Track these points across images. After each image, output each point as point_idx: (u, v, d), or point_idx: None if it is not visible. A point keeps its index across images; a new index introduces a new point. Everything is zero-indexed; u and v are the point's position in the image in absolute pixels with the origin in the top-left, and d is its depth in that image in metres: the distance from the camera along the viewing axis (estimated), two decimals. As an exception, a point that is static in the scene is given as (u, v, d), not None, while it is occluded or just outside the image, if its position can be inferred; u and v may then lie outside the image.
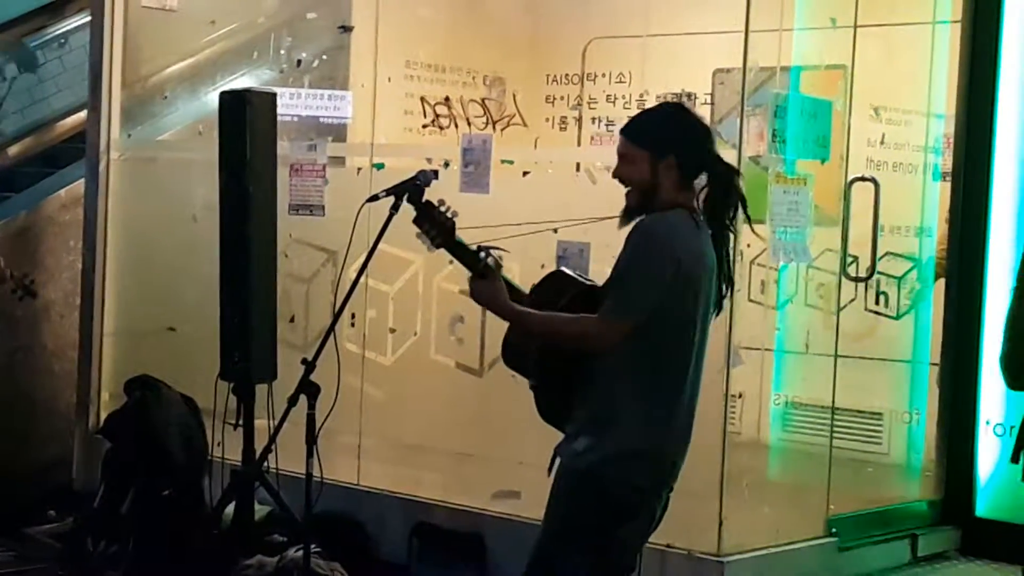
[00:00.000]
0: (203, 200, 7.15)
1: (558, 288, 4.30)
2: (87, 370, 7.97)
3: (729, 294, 4.32)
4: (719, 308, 4.31)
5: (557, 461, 4.30)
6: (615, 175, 4.26)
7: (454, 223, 4.29)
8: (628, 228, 4.15)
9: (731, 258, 4.33)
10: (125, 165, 7.99)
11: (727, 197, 4.23)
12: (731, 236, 4.31)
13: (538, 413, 4.39)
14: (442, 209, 4.30)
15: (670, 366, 4.15)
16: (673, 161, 4.16)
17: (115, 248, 7.97)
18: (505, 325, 4.34)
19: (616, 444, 4.14)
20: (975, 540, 6.81)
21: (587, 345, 4.13)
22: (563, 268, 4.39)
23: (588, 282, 4.34)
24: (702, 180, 4.24)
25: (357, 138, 7.84)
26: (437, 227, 4.28)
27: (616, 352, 4.10)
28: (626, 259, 4.09)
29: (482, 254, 4.26)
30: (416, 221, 4.33)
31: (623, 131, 4.28)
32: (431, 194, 4.58)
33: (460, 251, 4.30)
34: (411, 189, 4.54)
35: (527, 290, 4.35)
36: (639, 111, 4.46)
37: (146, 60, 8.22)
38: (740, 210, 4.27)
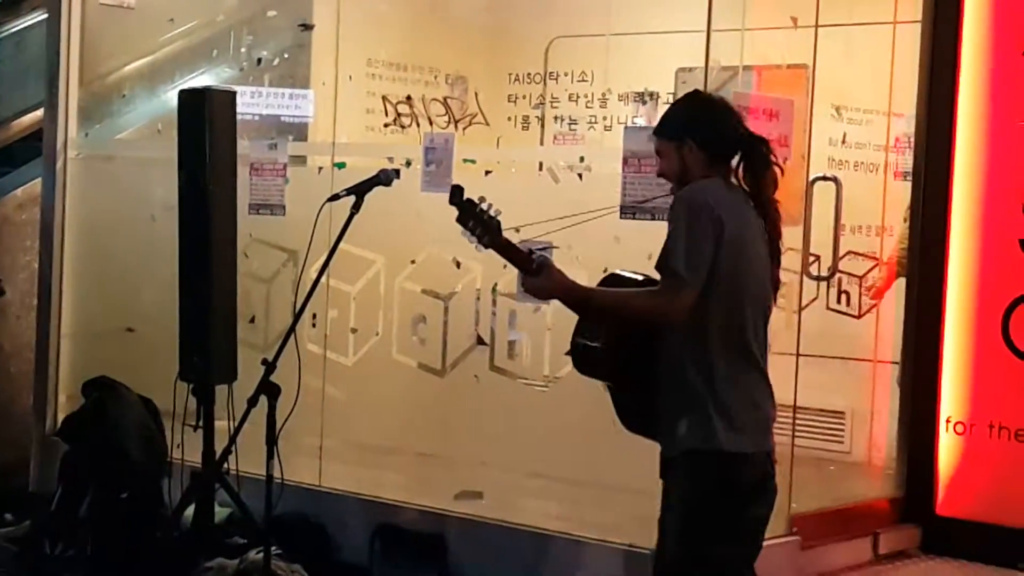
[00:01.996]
0: (162, 199, 7.10)
1: (617, 286, 4.32)
2: (44, 372, 7.91)
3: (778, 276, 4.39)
4: (776, 286, 4.37)
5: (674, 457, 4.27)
6: (658, 174, 4.42)
7: (499, 221, 4.23)
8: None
9: (778, 234, 4.36)
10: (83, 164, 7.93)
11: (759, 168, 4.30)
12: (776, 211, 4.35)
13: (621, 422, 4.36)
14: (484, 207, 4.23)
15: (742, 331, 4.19)
16: (692, 143, 4.27)
17: (73, 248, 7.91)
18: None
19: (715, 413, 4.16)
20: (936, 538, 6.84)
21: (658, 314, 4.15)
22: (617, 270, 4.38)
23: (644, 277, 4.34)
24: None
25: (318, 137, 7.81)
26: (483, 225, 4.21)
27: (686, 327, 4.12)
28: (671, 229, 4.15)
29: (534, 254, 4.22)
30: (460, 220, 4.24)
31: (654, 130, 4.42)
32: (392, 193, 4.56)
33: (511, 251, 4.24)
34: (374, 185, 4.50)
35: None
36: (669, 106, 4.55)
37: (104, 58, 8.16)
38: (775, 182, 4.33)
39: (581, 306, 4.29)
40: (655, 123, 4.48)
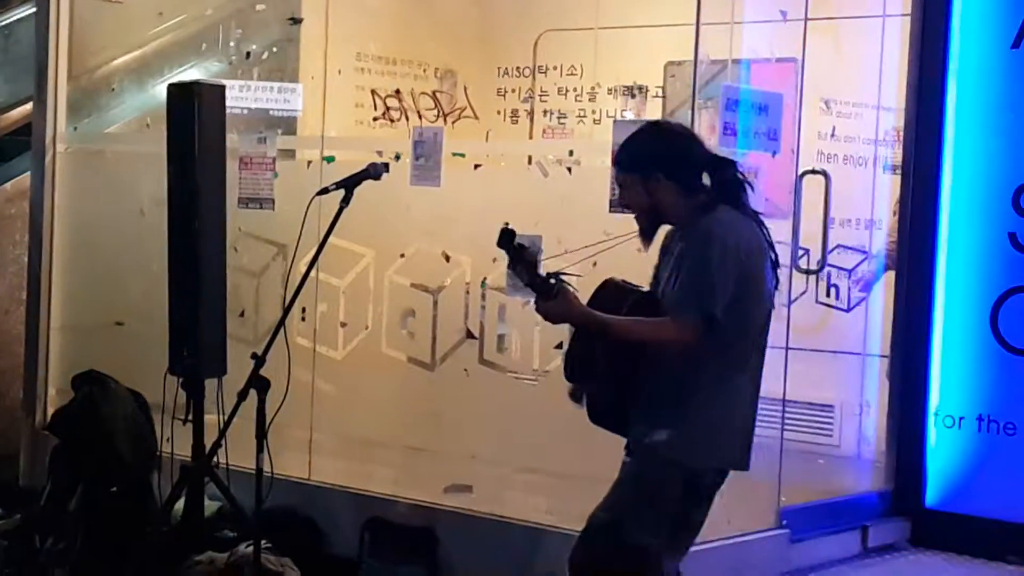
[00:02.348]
0: (151, 193, 7.09)
1: (614, 296, 4.36)
2: (34, 366, 7.89)
3: (778, 279, 4.46)
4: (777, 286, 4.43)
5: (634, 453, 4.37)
6: (620, 203, 4.48)
7: (538, 260, 4.35)
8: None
9: (772, 243, 4.42)
10: (72, 158, 7.91)
11: (734, 190, 4.35)
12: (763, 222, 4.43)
13: (590, 417, 4.44)
14: (532, 250, 4.35)
15: (740, 357, 4.29)
16: (662, 178, 4.30)
17: (62, 242, 7.89)
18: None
19: (696, 429, 4.26)
20: (925, 531, 6.86)
21: (670, 345, 4.21)
22: (611, 278, 4.43)
23: (638, 287, 4.42)
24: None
25: (307, 131, 7.79)
26: (528, 268, 4.30)
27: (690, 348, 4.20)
28: (694, 260, 4.20)
29: (553, 281, 4.29)
30: (510, 266, 4.34)
31: (614, 162, 4.46)
32: (381, 187, 4.56)
33: (537, 281, 4.31)
34: (363, 179, 4.51)
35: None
36: (626, 138, 4.52)
37: (93, 52, 8.14)
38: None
39: (597, 334, 4.32)
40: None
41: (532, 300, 4.35)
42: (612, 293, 4.38)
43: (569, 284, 4.29)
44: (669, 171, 4.30)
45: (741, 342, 4.28)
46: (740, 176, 4.37)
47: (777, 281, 4.44)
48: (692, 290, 4.18)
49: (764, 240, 4.35)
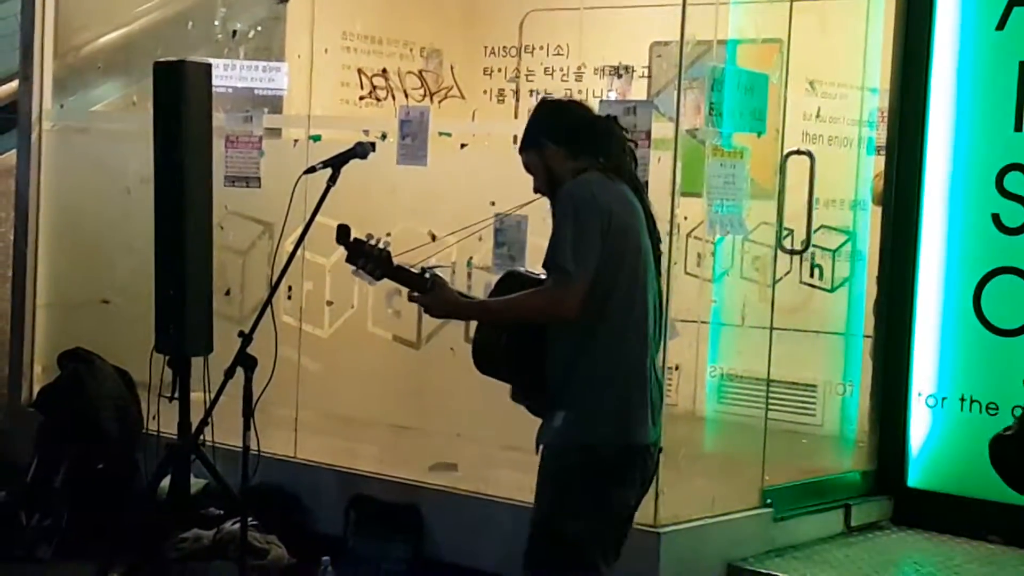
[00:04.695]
0: (137, 172, 7.09)
1: (513, 287, 4.35)
2: (19, 343, 7.90)
3: (660, 252, 4.44)
4: (658, 265, 4.41)
5: (541, 448, 4.34)
6: (534, 191, 4.46)
7: (389, 252, 4.36)
8: None
9: (653, 215, 4.43)
10: (58, 136, 7.91)
11: (613, 146, 4.37)
12: (645, 191, 4.46)
13: (531, 413, 4.41)
14: (372, 242, 4.37)
15: (626, 322, 4.23)
16: (550, 143, 4.35)
17: (48, 220, 7.89)
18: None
19: (591, 408, 4.22)
20: (907, 510, 6.89)
21: (552, 311, 4.19)
22: (515, 268, 4.46)
23: (542, 275, 4.36)
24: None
25: (293, 110, 7.79)
26: (373, 260, 4.35)
27: (577, 320, 4.16)
28: (558, 223, 4.20)
29: (426, 274, 4.31)
30: (349, 260, 4.40)
31: (519, 150, 4.48)
32: (368, 166, 4.57)
33: (402, 275, 4.37)
34: (350, 158, 4.51)
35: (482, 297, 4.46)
36: None
37: (79, 30, 8.13)
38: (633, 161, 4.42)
39: (477, 319, 4.41)
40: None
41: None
42: (512, 283, 4.38)
43: (438, 275, 4.32)
44: (556, 137, 4.34)
45: (624, 313, 4.22)
46: (616, 129, 4.40)
47: (659, 255, 4.40)
48: (555, 248, 4.16)
49: (640, 208, 4.31)
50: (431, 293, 4.31)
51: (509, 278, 4.43)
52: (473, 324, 4.51)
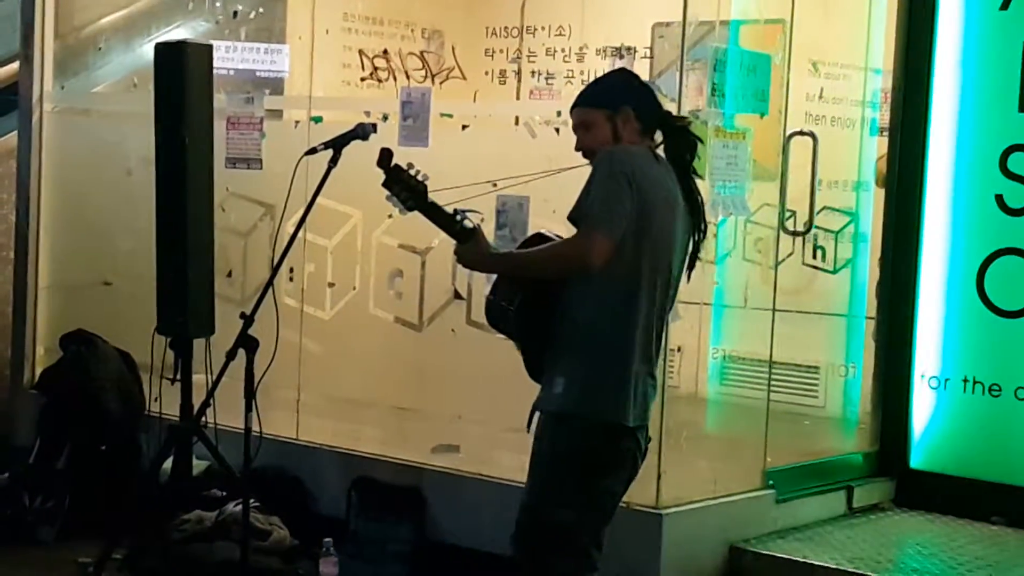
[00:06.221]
0: (138, 153, 7.08)
1: (539, 244, 4.33)
2: (22, 325, 7.90)
3: (702, 241, 4.42)
4: (695, 256, 4.40)
5: (536, 415, 4.33)
6: (578, 148, 4.37)
7: (426, 185, 4.30)
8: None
9: (702, 207, 4.41)
10: (59, 117, 7.89)
11: (687, 152, 4.35)
12: (697, 184, 4.41)
13: (528, 373, 4.42)
14: (412, 172, 4.29)
15: (632, 297, 4.21)
16: (630, 111, 4.29)
17: (49, 201, 7.88)
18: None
19: (586, 377, 4.20)
20: (909, 492, 6.89)
21: (578, 260, 4.14)
22: (542, 230, 4.43)
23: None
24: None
25: (294, 91, 7.77)
26: (408, 190, 4.28)
27: (585, 288, 4.16)
28: (593, 182, 4.16)
29: (458, 215, 4.26)
30: (385, 184, 4.32)
31: (576, 103, 4.39)
32: (371, 147, 4.55)
33: (434, 213, 4.31)
34: (351, 139, 4.49)
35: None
36: (593, 81, 4.56)
37: (79, 10, 8.11)
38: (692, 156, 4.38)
39: (504, 271, 4.36)
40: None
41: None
42: (538, 243, 4.36)
43: (475, 221, 4.28)
44: (638, 107, 4.31)
45: (631, 286, 4.20)
46: (693, 139, 4.38)
47: (696, 246, 4.39)
48: (586, 202, 4.14)
49: (678, 188, 4.29)
50: (471, 242, 4.28)
51: (537, 238, 4.41)
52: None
